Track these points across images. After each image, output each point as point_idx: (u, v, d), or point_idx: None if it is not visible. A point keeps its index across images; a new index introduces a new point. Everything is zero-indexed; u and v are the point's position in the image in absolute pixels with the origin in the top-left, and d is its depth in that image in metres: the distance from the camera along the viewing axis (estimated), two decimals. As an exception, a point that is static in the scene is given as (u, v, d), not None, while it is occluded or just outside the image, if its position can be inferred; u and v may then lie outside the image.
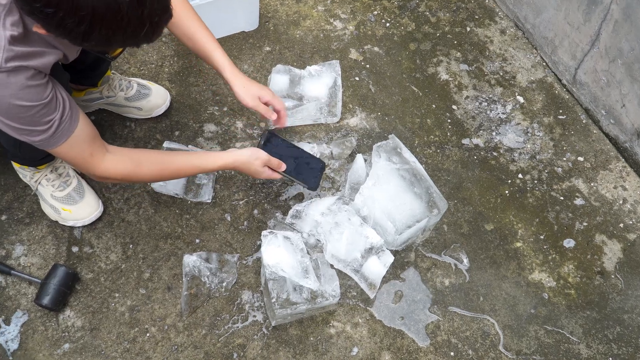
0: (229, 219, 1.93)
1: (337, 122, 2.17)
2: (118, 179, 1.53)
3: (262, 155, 1.71)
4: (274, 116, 1.79)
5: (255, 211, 1.95)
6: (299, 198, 1.99)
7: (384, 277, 1.83)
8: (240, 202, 1.97)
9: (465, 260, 1.92)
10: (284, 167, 1.76)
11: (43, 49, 1.24)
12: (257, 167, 1.71)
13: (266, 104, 1.78)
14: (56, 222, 1.86)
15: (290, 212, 1.89)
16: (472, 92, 2.32)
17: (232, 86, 1.72)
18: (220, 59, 1.71)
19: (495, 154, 2.17)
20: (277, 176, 1.76)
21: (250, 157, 1.69)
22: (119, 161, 1.51)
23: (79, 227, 1.87)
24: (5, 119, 1.24)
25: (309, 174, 1.84)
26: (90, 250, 1.84)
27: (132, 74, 2.20)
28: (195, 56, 2.26)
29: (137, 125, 2.09)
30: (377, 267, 1.80)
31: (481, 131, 2.21)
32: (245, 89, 1.72)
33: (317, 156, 1.99)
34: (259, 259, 1.86)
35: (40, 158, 1.74)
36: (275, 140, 1.80)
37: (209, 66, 1.78)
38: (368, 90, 2.29)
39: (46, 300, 1.68)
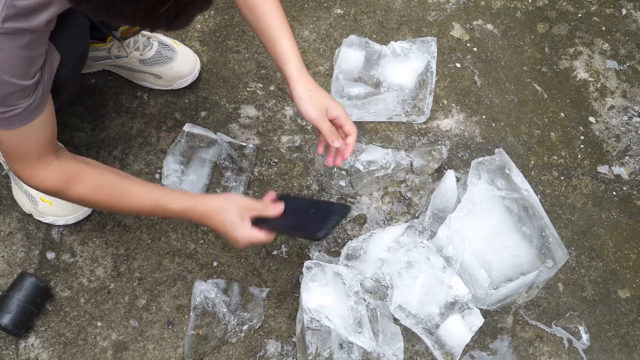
0: (260, 239, 1.98)
1: (424, 123, 2.20)
2: (53, 194, 1.58)
3: (242, 200, 1.66)
4: (337, 143, 1.72)
5: (298, 233, 2.00)
6: (360, 222, 2.02)
7: (467, 344, 1.84)
8: (279, 218, 2.02)
9: (585, 337, 1.92)
10: (278, 209, 1.67)
11: None
12: (231, 218, 1.62)
13: (332, 121, 1.75)
14: (30, 215, 1.95)
15: (344, 251, 1.90)
16: (620, 100, 2.31)
17: (293, 86, 1.72)
18: (286, 47, 1.73)
19: (643, 191, 2.16)
20: (263, 237, 1.64)
21: (223, 203, 1.64)
22: (57, 172, 1.54)
23: (59, 225, 1.95)
24: None
25: (315, 219, 1.68)
26: (71, 260, 1.92)
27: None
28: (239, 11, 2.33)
29: (151, 98, 2.17)
30: (460, 330, 1.81)
31: (627, 157, 2.21)
32: (311, 94, 1.72)
33: (391, 165, 2.02)
34: (296, 299, 1.90)
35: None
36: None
37: (267, 53, 1.77)
38: (472, 82, 2.31)
39: (6, 319, 1.75)
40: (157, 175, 2.03)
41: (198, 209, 1.63)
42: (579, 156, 2.20)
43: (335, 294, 1.75)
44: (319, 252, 1.95)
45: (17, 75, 1.29)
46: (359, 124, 2.16)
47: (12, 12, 1.21)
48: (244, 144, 2.08)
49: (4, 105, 1.33)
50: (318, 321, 1.70)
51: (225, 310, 1.84)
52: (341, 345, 1.70)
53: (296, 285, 1.92)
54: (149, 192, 1.62)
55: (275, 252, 1.96)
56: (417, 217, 2.03)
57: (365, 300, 1.82)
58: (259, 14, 1.72)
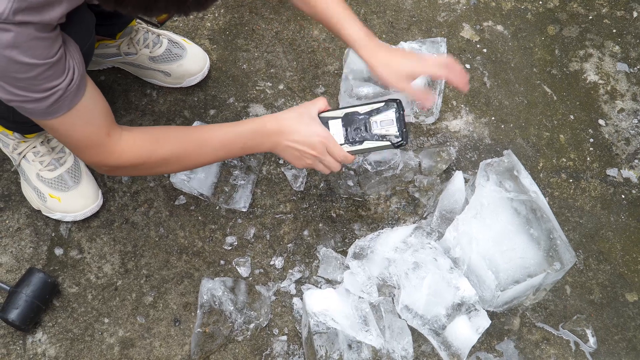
0: (268, 237, 1.99)
1: (433, 124, 2.20)
2: (136, 165, 1.60)
3: (313, 108, 1.74)
4: (429, 103, 1.83)
5: (306, 232, 2.00)
6: (368, 222, 2.02)
7: (473, 346, 1.84)
8: (287, 217, 2.03)
9: (592, 340, 1.92)
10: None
11: None
12: (309, 111, 1.72)
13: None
14: (39, 211, 1.96)
15: (351, 249, 1.91)
16: (630, 103, 2.31)
17: (369, 58, 1.78)
18: (354, 27, 1.78)
19: (652, 195, 2.16)
20: (342, 155, 1.72)
21: (296, 112, 1.72)
22: (137, 139, 1.58)
23: (67, 222, 1.96)
24: None
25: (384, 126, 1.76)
26: (79, 256, 1.93)
27: (162, 26, 2.29)
28: (249, 10, 2.33)
29: (160, 95, 2.18)
30: (467, 331, 1.81)
31: (637, 160, 2.20)
32: (389, 65, 1.76)
33: (400, 165, 2.03)
34: (302, 297, 1.91)
35: (34, 124, 1.83)
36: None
37: (330, 32, 1.84)
38: (481, 84, 2.31)
39: (13, 315, 1.76)
40: (165, 173, 2.04)
41: (258, 128, 1.69)
42: (588, 159, 2.20)
43: (338, 294, 1.77)
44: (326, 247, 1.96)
45: (39, 56, 1.30)
46: (368, 124, 2.17)
47: (23, 6, 1.22)
48: (253, 143, 2.08)
49: (41, 90, 1.35)
50: (324, 324, 1.70)
51: (232, 308, 1.85)
52: (350, 346, 1.70)
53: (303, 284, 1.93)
54: (220, 129, 1.68)
55: (282, 251, 1.97)
56: (425, 218, 2.04)
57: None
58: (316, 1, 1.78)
